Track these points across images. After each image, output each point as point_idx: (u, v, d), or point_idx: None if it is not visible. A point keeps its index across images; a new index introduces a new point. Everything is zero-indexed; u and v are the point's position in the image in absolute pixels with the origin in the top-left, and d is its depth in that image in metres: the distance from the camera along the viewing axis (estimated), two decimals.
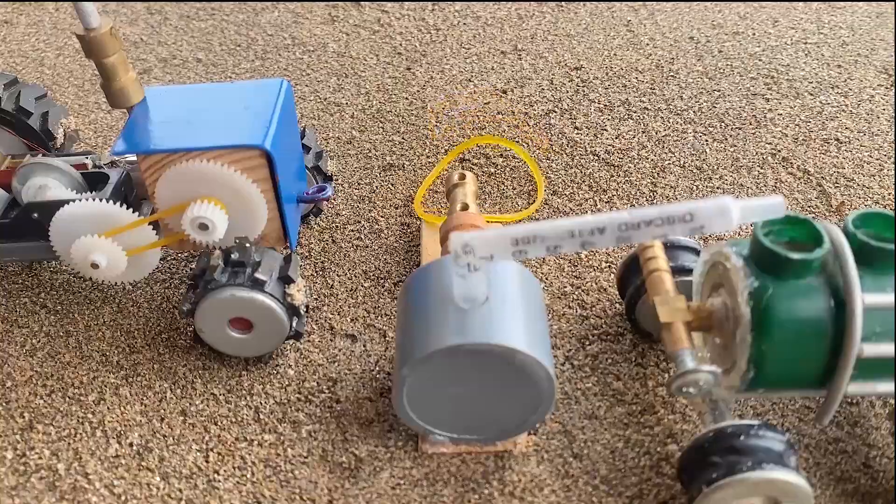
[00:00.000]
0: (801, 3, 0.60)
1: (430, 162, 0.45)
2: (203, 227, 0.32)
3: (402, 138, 0.47)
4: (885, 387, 0.27)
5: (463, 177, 0.38)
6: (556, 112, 0.49)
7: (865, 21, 0.58)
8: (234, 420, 0.32)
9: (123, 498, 0.29)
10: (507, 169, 0.45)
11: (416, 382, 0.28)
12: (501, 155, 0.46)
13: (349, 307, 0.37)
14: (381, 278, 0.38)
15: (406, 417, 0.29)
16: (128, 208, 0.33)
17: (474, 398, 0.29)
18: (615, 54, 0.55)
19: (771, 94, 0.50)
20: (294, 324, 0.33)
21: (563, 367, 0.34)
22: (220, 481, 0.30)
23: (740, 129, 0.47)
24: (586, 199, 0.42)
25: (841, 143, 0.46)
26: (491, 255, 0.26)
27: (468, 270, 0.27)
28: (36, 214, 0.34)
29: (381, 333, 0.35)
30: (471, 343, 0.27)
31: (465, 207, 0.36)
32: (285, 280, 0.33)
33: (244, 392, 0.33)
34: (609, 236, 0.25)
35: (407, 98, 0.51)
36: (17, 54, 0.57)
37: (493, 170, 0.44)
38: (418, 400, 0.29)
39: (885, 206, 0.41)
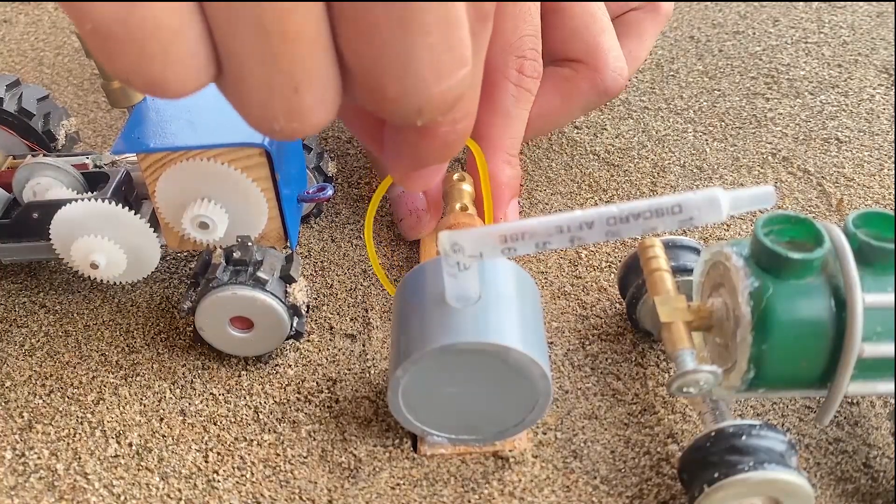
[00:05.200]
0: (801, 3, 0.60)
1: None
2: (203, 225, 0.33)
3: None
4: (885, 387, 0.27)
5: (462, 178, 0.38)
6: None
7: (866, 21, 0.58)
8: (233, 420, 0.32)
9: (123, 498, 0.29)
10: None
11: (410, 384, 0.28)
12: None
13: (349, 307, 0.37)
14: None
15: (403, 419, 0.29)
16: (129, 209, 0.33)
17: (470, 398, 0.29)
18: None
19: (771, 94, 0.50)
20: (294, 323, 0.33)
21: (563, 367, 0.34)
22: (219, 481, 0.30)
23: (741, 128, 0.47)
24: (587, 200, 0.42)
25: (841, 142, 0.46)
26: (480, 252, 0.26)
27: (458, 269, 0.26)
28: (36, 214, 0.34)
29: (380, 333, 0.35)
30: (463, 342, 0.27)
31: (465, 209, 0.36)
32: (287, 279, 0.33)
33: (243, 392, 0.33)
34: (598, 231, 0.24)
35: None
36: (17, 53, 0.57)
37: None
38: (414, 401, 0.29)
39: (885, 206, 0.41)
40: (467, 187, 0.37)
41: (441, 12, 0.20)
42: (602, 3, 0.39)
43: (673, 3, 0.44)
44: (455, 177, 0.37)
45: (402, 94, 0.21)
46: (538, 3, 0.36)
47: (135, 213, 0.33)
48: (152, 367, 0.34)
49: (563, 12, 0.38)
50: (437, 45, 0.21)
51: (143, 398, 0.33)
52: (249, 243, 0.32)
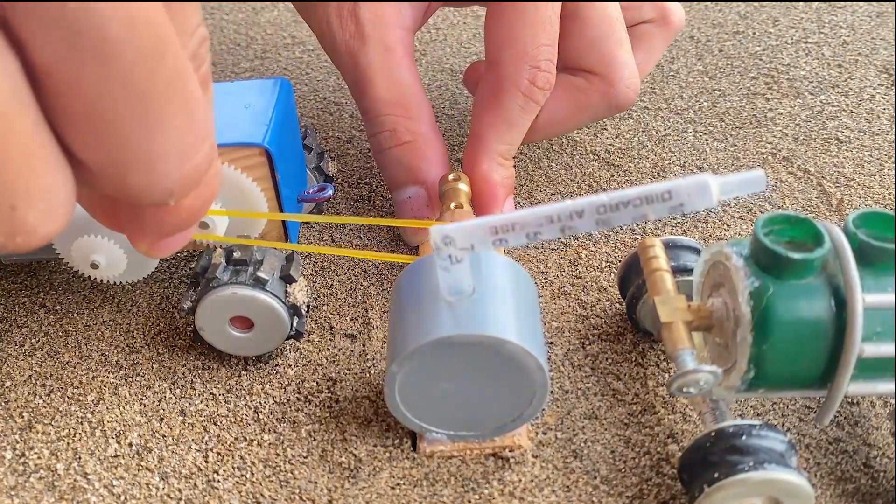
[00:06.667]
0: (801, 3, 0.60)
1: None
2: (203, 225, 0.33)
3: None
4: (885, 387, 0.27)
5: (458, 177, 0.38)
6: None
7: (866, 21, 0.58)
8: (233, 420, 0.32)
9: (123, 498, 0.29)
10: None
11: (406, 379, 0.28)
12: None
13: (349, 307, 0.37)
14: (381, 278, 0.38)
15: (400, 416, 0.29)
16: None
17: (468, 393, 0.29)
18: None
19: (771, 94, 0.50)
20: (295, 323, 0.33)
21: (563, 367, 0.34)
22: (219, 481, 0.30)
23: (741, 128, 0.47)
24: None
25: (841, 142, 0.46)
26: (472, 245, 0.26)
27: (451, 262, 0.26)
28: None
29: (380, 333, 0.35)
30: (457, 335, 0.27)
31: (460, 206, 0.36)
32: (287, 279, 0.33)
33: (244, 392, 0.33)
34: (588, 220, 0.24)
35: None
36: None
37: None
38: (411, 397, 0.29)
39: (885, 206, 0.41)
40: (463, 187, 0.37)
41: (183, 98, 0.19)
42: (621, 14, 0.39)
43: (684, 16, 0.44)
44: (451, 177, 0.37)
45: (151, 183, 0.20)
46: (558, 11, 0.36)
47: None
48: (152, 367, 0.34)
49: (582, 21, 0.38)
50: (181, 130, 0.19)
51: (143, 398, 0.33)
52: None
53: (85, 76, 0.18)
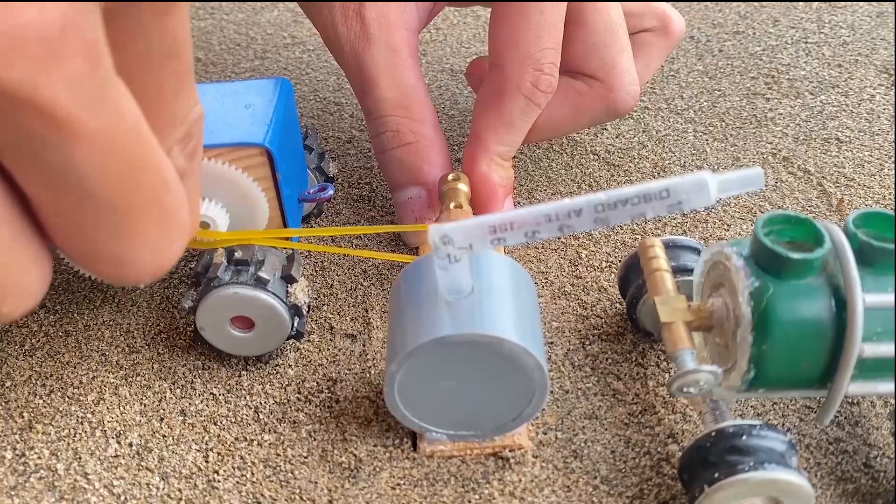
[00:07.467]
0: (801, 3, 0.60)
1: None
2: (203, 225, 0.33)
3: None
4: (885, 387, 0.27)
5: (458, 178, 0.38)
6: None
7: (866, 21, 0.58)
8: (233, 420, 0.32)
9: (123, 498, 0.29)
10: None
11: (405, 378, 0.28)
12: None
13: (349, 307, 0.37)
14: (381, 278, 0.38)
15: (400, 415, 0.29)
16: None
17: (467, 392, 0.29)
18: None
19: (771, 94, 0.50)
20: (295, 323, 0.33)
21: (563, 367, 0.34)
22: (219, 481, 0.30)
23: (741, 128, 0.47)
24: None
25: (841, 142, 0.46)
26: (470, 244, 0.26)
27: (449, 261, 0.26)
28: None
29: (380, 333, 0.35)
30: (456, 334, 0.27)
31: (459, 206, 0.36)
32: (288, 279, 0.33)
33: (244, 392, 0.33)
34: (586, 218, 0.25)
35: None
36: None
37: None
38: (411, 397, 0.29)
39: (885, 206, 0.41)
40: (463, 187, 0.37)
41: (159, 211, 0.20)
42: (624, 21, 0.39)
43: (685, 26, 0.44)
44: (450, 177, 0.37)
45: (122, 276, 0.21)
46: (563, 15, 0.36)
47: None
48: (152, 367, 0.34)
49: (585, 26, 0.38)
50: (156, 237, 0.20)
51: (144, 398, 0.33)
52: None
53: (63, 205, 0.19)
